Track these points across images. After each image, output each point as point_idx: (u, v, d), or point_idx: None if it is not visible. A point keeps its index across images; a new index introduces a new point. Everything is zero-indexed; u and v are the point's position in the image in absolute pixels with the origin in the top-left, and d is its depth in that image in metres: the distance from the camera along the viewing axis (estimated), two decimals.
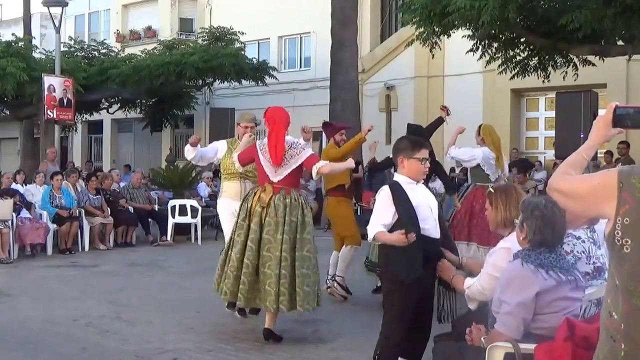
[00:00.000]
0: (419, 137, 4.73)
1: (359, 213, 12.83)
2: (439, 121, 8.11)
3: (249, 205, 5.81)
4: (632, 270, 2.04)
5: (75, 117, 18.92)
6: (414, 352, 4.46)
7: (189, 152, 6.86)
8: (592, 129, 2.39)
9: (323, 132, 8.69)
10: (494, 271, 3.76)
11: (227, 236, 6.57)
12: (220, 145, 7.00)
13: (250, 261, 5.69)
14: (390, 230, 4.19)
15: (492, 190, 4.07)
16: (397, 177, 4.41)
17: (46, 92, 16.48)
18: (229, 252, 5.87)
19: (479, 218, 7.18)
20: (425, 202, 4.34)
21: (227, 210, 6.69)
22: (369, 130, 7.59)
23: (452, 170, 15.28)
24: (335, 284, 7.54)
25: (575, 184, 2.24)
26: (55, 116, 16.77)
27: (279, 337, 5.85)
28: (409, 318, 4.30)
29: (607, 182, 2.11)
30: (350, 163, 6.02)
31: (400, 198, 4.26)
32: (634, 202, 2.04)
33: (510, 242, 3.76)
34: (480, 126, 8.13)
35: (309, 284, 5.71)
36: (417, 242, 4.11)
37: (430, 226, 4.31)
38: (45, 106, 16.48)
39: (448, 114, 8.05)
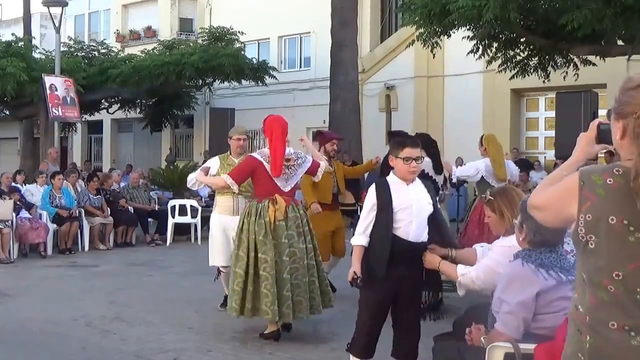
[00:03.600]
0: (405, 136, 4.73)
1: (359, 213, 12.82)
2: None
3: (265, 221, 5.66)
4: (597, 265, 2.11)
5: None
6: (405, 353, 4.44)
7: (196, 184, 6.69)
8: (576, 146, 2.44)
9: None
10: (494, 265, 3.78)
11: (215, 253, 6.71)
12: (213, 162, 6.88)
13: (281, 276, 5.64)
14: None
15: (492, 197, 3.96)
16: (389, 176, 4.42)
17: (48, 91, 16.46)
18: (250, 271, 5.65)
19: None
20: (409, 204, 4.31)
21: (219, 228, 6.69)
22: (376, 163, 8.01)
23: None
24: None
25: (545, 195, 2.31)
26: (61, 114, 16.77)
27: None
28: (377, 314, 4.37)
29: (569, 184, 2.18)
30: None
31: (381, 198, 4.31)
32: (595, 198, 2.10)
33: (514, 241, 3.76)
34: (482, 136, 8.12)
35: (327, 284, 6.07)
36: (385, 243, 4.23)
37: (408, 228, 4.28)
38: (50, 104, 16.45)
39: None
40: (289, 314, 5.65)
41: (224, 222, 6.63)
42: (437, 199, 4.94)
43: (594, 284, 2.12)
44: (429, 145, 7.38)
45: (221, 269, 6.79)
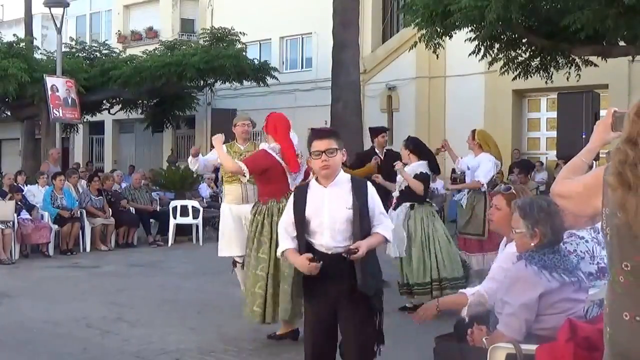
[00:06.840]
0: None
1: None
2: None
3: (273, 220, 5.58)
4: (611, 256, 2.21)
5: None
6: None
7: (192, 164, 6.78)
8: (593, 133, 2.55)
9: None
10: (502, 272, 3.75)
11: (229, 243, 6.42)
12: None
13: (272, 274, 5.59)
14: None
15: (514, 192, 3.88)
16: (312, 180, 4.00)
17: (50, 92, 16.47)
18: (271, 272, 5.61)
19: None
20: (321, 209, 3.80)
21: (231, 217, 6.52)
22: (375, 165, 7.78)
23: (453, 171, 15.26)
24: None
25: (572, 186, 2.42)
26: (61, 115, 16.79)
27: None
28: (315, 335, 3.90)
29: (595, 179, 2.28)
30: None
31: (296, 206, 3.88)
32: (609, 193, 2.19)
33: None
34: (474, 131, 8.06)
35: None
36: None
37: (321, 240, 3.80)
38: (51, 105, 16.47)
39: (442, 151, 8.13)
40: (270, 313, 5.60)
41: (235, 210, 6.48)
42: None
43: (611, 274, 2.20)
44: (421, 147, 7.36)
45: (236, 259, 6.52)
